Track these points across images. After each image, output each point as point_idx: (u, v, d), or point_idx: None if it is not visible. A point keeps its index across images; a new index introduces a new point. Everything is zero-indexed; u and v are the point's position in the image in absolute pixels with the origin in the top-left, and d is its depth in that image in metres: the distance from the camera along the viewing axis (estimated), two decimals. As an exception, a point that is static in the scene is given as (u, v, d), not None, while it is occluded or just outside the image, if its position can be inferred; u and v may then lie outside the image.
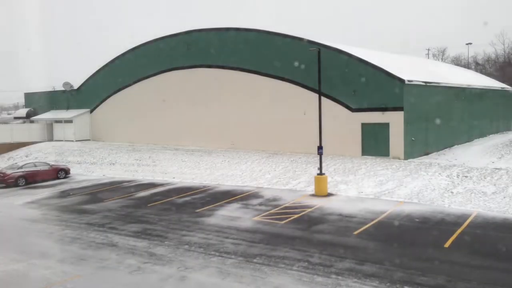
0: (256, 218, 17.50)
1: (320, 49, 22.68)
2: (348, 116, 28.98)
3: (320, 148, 21.80)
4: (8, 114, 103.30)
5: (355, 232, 15.21)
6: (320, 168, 21.68)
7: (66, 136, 45.52)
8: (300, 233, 15.43)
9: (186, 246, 14.44)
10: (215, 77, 35.83)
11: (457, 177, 22.08)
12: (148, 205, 20.81)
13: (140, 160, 33.65)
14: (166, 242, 14.98)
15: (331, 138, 27.66)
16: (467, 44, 69.06)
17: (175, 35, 38.64)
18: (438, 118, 30.16)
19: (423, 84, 28.96)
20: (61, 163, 33.51)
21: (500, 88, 42.84)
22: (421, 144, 28.43)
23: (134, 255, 13.89)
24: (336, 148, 28.64)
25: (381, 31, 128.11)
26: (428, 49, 79.36)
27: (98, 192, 24.51)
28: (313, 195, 21.09)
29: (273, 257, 13.09)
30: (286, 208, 18.95)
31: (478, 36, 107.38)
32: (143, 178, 28.31)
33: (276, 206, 19.34)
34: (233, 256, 13.34)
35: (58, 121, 46.64)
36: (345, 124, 28.97)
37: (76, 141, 44.61)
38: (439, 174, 22.79)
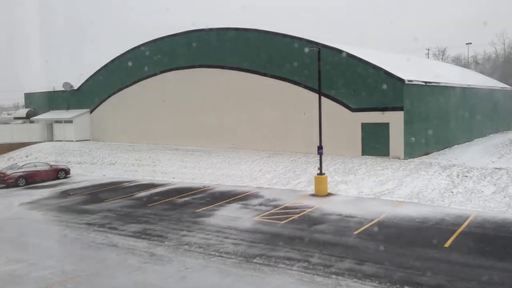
0: (256, 218, 17.50)
1: (320, 49, 22.69)
2: (348, 116, 28.97)
3: (320, 148, 21.80)
4: (8, 114, 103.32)
5: (355, 232, 15.21)
6: (320, 168, 21.69)
7: (66, 136, 45.53)
8: (300, 233, 15.43)
9: (186, 246, 14.44)
10: (215, 77, 35.84)
11: (457, 177, 22.08)
12: (148, 205, 20.81)
13: (140, 160, 33.66)
14: (166, 242, 14.98)
15: (331, 138, 27.67)
16: (467, 44, 69.07)
17: (175, 35, 38.64)
18: (438, 118, 30.17)
19: (423, 84, 28.96)
20: (61, 163, 33.55)
21: (500, 88, 42.85)
22: (421, 144, 28.41)
23: (134, 255, 13.89)
24: (336, 148, 28.63)
25: (381, 30, 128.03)
26: (428, 49, 79.34)
27: (98, 192, 24.51)
28: (313, 195, 21.09)
29: (273, 257, 13.09)
30: (286, 208, 18.95)
31: (478, 36, 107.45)
32: (143, 178, 28.31)
33: (276, 206, 19.34)
34: (233, 256, 13.34)
35: (58, 121, 46.64)
36: (345, 124, 28.97)
37: (76, 141, 44.62)
38: (439, 174, 22.79)
